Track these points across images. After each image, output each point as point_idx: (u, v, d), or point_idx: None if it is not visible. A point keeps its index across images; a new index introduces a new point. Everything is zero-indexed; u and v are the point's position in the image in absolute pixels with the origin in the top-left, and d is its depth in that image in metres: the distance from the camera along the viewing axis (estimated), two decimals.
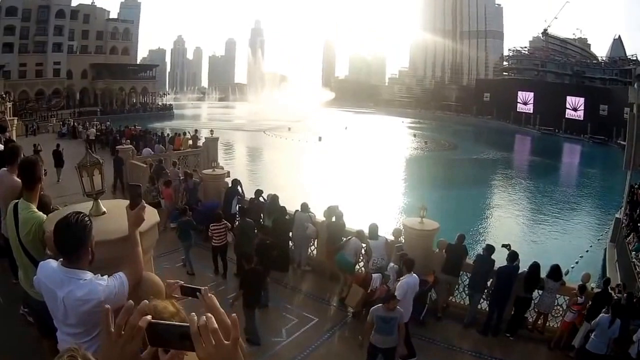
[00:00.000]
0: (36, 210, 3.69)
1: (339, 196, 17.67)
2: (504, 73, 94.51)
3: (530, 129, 76.01)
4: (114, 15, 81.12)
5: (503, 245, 8.80)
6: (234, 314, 1.18)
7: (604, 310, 7.32)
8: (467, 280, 8.90)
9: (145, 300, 1.27)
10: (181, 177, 14.10)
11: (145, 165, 16.41)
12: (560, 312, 8.51)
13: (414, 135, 58.05)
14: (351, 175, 30.27)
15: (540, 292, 8.33)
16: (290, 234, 10.64)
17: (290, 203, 11.10)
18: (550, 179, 38.49)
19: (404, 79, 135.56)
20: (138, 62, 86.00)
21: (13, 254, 3.82)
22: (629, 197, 19.12)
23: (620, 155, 26.82)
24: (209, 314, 1.14)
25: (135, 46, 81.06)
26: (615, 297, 7.86)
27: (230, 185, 12.34)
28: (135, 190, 2.90)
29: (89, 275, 2.35)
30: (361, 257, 9.28)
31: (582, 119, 71.93)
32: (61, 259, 2.38)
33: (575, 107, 73.95)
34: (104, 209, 3.29)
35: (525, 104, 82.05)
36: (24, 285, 3.74)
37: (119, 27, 73.14)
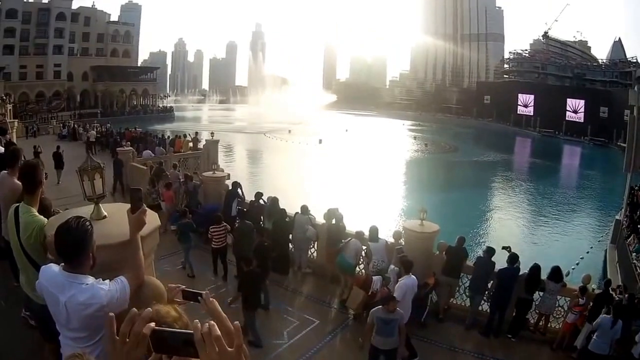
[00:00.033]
0: (37, 213, 3.69)
1: (339, 198, 17.70)
2: (505, 76, 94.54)
3: (531, 131, 75.97)
4: (114, 17, 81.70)
5: (503, 248, 8.83)
6: (236, 322, 1.18)
7: (604, 310, 7.36)
8: (468, 282, 8.91)
9: (149, 308, 1.28)
10: (181, 180, 14.13)
11: (145, 168, 16.44)
12: (562, 314, 8.53)
13: (415, 138, 58.07)
14: (351, 178, 30.27)
15: (541, 293, 8.35)
16: (291, 236, 10.63)
17: (290, 205, 11.11)
18: (551, 180, 38.49)
19: (404, 81, 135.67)
20: (139, 65, 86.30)
21: (14, 256, 3.82)
22: (629, 199, 19.13)
23: (621, 157, 26.83)
24: (212, 322, 1.15)
25: (136, 49, 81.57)
26: (617, 299, 7.88)
27: (230, 187, 12.33)
28: (137, 194, 2.90)
29: (90, 279, 2.35)
30: (361, 260, 9.29)
31: (582, 121, 71.91)
32: (62, 264, 2.38)
33: (575, 109, 74.00)
34: (105, 213, 3.29)
35: (525, 106, 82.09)
36: (26, 288, 3.74)
37: (119, 30, 73.41)
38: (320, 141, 46.41)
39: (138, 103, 73.50)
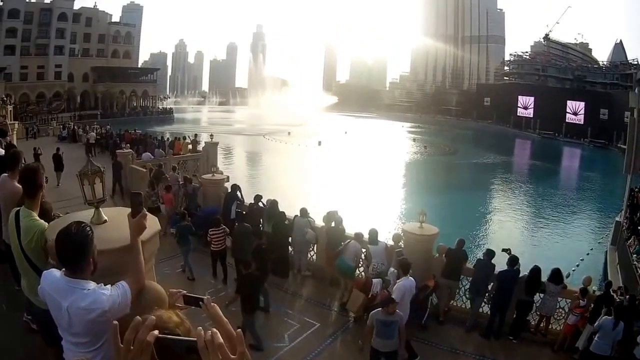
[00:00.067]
0: (38, 218, 3.69)
1: (338, 201, 17.71)
2: (505, 78, 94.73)
3: (531, 133, 76.10)
4: (116, 18, 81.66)
5: (503, 250, 8.86)
6: (239, 329, 1.19)
7: (604, 311, 7.39)
8: (468, 284, 8.92)
9: (152, 317, 1.28)
10: (181, 182, 14.11)
11: (144, 170, 16.42)
12: (563, 315, 8.54)
13: (414, 140, 58.10)
14: (351, 180, 30.30)
15: (542, 295, 8.37)
16: (290, 239, 10.63)
17: (290, 208, 11.10)
18: (551, 182, 38.57)
19: (404, 83, 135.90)
20: (139, 66, 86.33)
21: (15, 261, 3.82)
22: (629, 201, 19.19)
23: (621, 159, 26.84)
24: (215, 329, 1.16)
25: (137, 49, 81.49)
26: (618, 300, 7.91)
27: (229, 190, 12.33)
28: (137, 198, 2.90)
29: (92, 284, 2.35)
30: (361, 262, 9.30)
31: (582, 123, 72.04)
32: (64, 269, 2.38)
33: (575, 111, 74.08)
34: (105, 217, 3.28)
35: (525, 108, 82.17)
36: (27, 292, 3.74)
37: (120, 31, 73.45)
38: (319, 143, 46.46)
39: (138, 104, 73.48)
